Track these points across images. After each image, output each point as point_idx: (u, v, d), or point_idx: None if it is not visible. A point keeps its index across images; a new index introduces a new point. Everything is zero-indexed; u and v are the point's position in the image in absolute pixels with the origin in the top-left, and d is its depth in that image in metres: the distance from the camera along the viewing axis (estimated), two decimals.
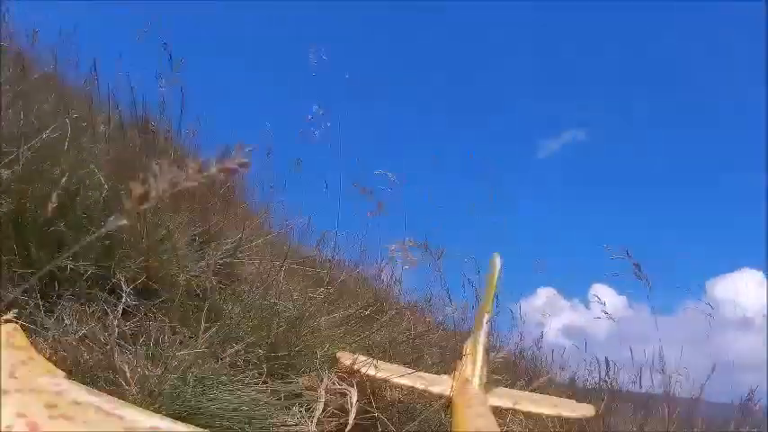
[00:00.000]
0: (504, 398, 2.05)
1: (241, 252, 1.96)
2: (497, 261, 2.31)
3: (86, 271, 1.76)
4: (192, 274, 1.88)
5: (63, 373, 1.02)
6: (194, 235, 2.00)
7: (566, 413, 2.11)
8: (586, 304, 4.00)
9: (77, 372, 1.48)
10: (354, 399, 1.24)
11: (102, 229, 0.63)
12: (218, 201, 2.39)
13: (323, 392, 1.26)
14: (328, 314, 1.87)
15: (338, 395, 1.29)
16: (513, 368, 3.37)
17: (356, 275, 2.72)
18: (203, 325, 1.48)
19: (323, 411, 1.24)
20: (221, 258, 1.90)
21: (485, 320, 2.18)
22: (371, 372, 1.82)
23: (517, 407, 1.99)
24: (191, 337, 1.55)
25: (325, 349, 1.67)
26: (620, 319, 2.95)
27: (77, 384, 0.97)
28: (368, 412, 1.54)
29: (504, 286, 2.76)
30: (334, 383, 1.33)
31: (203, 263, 1.87)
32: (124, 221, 0.59)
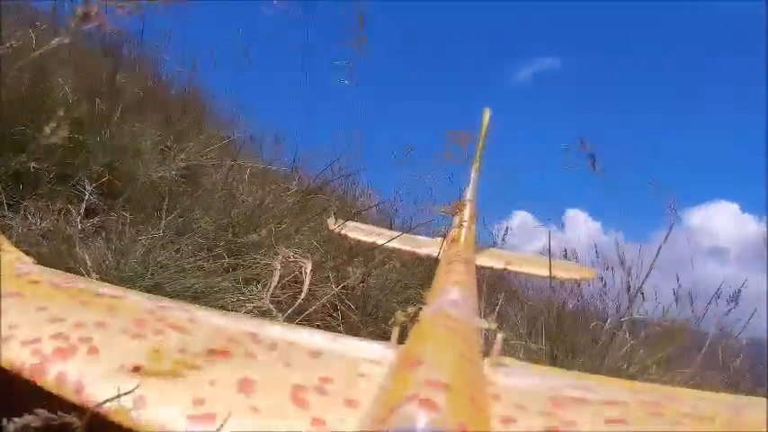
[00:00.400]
0: (494, 258, 2.08)
1: (203, 156, 1.97)
2: (486, 116, 2.38)
3: (50, 171, 1.78)
4: (157, 175, 1.89)
5: (31, 260, 1.04)
6: (158, 138, 2.00)
7: (563, 275, 2.11)
8: (561, 228, 4.06)
9: (40, 264, 1.49)
10: (309, 269, 1.27)
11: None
12: (184, 109, 2.38)
13: (278, 265, 1.29)
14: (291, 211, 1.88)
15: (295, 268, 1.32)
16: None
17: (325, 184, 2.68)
18: (164, 214, 1.50)
19: (278, 283, 1.27)
20: (183, 162, 1.90)
21: (473, 176, 2.25)
22: (359, 236, 1.87)
23: (509, 267, 2.00)
24: (153, 229, 1.57)
25: (283, 227, 1.70)
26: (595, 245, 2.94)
27: (44, 268, 1.00)
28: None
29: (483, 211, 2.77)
30: (290, 257, 1.35)
31: (166, 166, 1.88)
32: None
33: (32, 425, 0.65)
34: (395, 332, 0.82)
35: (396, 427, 0.54)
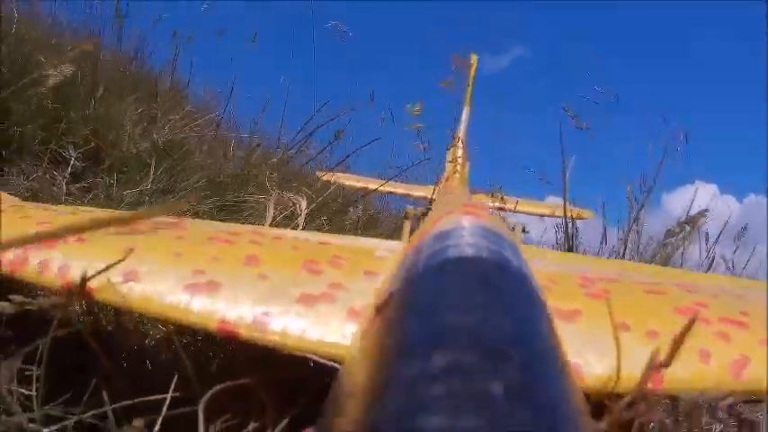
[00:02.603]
0: (491, 198, 2.03)
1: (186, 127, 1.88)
2: (474, 59, 2.38)
3: (35, 137, 1.70)
4: (142, 147, 1.81)
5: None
6: (142, 112, 1.92)
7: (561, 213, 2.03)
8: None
9: None
10: (304, 205, 1.19)
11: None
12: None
13: (272, 204, 1.21)
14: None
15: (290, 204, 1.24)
16: None
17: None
18: (152, 170, 1.41)
19: (272, 222, 1.18)
20: (168, 134, 1.82)
21: (464, 116, 2.25)
22: (352, 183, 1.82)
23: (508, 206, 1.97)
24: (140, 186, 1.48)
25: (274, 176, 1.61)
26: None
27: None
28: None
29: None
30: (283, 196, 1.27)
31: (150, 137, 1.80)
32: None
33: (4, 312, 0.56)
34: (406, 227, 0.74)
35: (441, 229, 0.46)
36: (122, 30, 2.45)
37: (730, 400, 0.45)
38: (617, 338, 0.46)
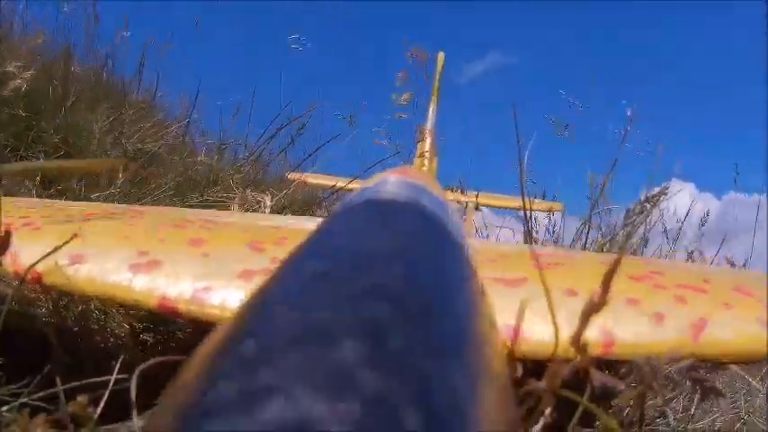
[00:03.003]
0: (458, 191, 2.04)
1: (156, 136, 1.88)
2: (441, 56, 2.42)
3: (6, 144, 1.70)
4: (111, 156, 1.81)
5: None
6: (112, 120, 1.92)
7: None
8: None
9: None
10: (268, 202, 1.20)
11: None
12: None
13: (236, 203, 1.21)
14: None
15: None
16: None
17: None
18: (120, 173, 1.41)
19: None
20: (138, 142, 1.82)
21: (432, 108, 2.28)
22: (321, 182, 1.84)
23: (480, 200, 1.95)
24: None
25: (240, 176, 1.62)
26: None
27: None
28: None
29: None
30: (248, 195, 1.28)
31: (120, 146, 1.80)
32: None
33: None
34: None
35: (365, 185, 0.47)
36: (93, 38, 2.46)
37: (687, 362, 0.42)
38: (549, 298, 0.43)
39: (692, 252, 1.49)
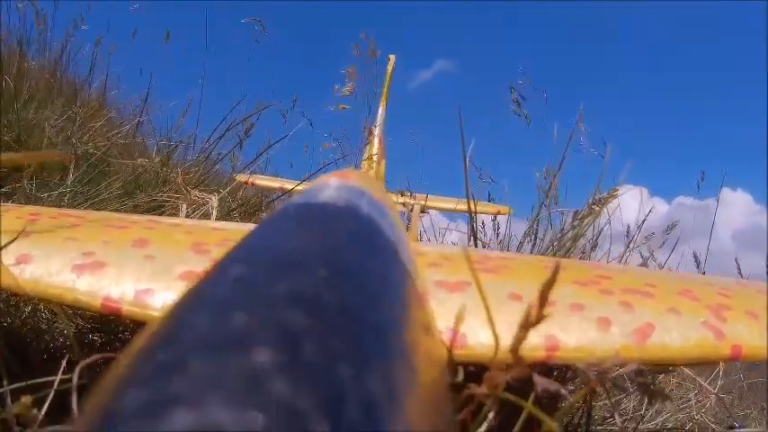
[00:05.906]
0: (407, 197, 2.02)
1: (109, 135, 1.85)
2: (392, 59, 2.42)
3: None
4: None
5: None
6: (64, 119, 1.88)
7: (480, 209, 1.92)
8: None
9: None
10: (215, 203, 1.19)
11: None
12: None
13: (184, 203, 1.20)
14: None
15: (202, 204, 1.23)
16: None
17: None
18: (71, 172, 1.38)
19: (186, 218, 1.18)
20: (86, 142, 1.78)
21: (380, 111, 2.28)
22: (268, 184, 1.83)
23: (427, 204, 1.92)
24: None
25: (188, 176, 1.61)
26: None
27: None
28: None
29: None
30: (195, 197, 1.27)
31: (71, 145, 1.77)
32: None
33: None
34: None
35: (306, 190, 0.48)
36: (46, 35, 2.40)
37: (632, 367, 0.40)
38: (485, 302, 0.41)
39: (647, 258, 1.51)
